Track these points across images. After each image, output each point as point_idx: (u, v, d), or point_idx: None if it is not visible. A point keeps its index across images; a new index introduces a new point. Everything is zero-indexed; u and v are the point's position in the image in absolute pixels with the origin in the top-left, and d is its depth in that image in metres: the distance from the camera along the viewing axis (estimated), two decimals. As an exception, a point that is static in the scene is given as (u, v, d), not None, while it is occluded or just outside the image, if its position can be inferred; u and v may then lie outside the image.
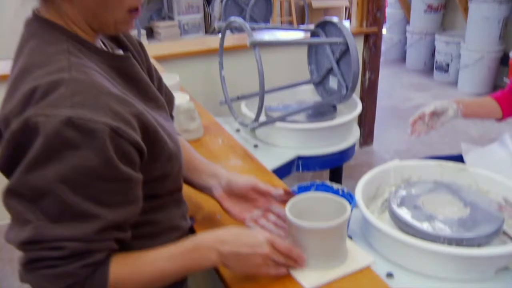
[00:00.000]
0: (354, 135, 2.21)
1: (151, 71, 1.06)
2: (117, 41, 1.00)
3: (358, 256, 1.01)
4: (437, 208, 1.47)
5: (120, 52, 0.99)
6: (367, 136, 3.56)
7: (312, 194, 1.04)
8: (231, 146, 1.58)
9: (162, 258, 0.87)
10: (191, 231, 1.15)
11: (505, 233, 1.46)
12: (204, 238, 0.91)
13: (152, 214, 0.94)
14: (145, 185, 0.87)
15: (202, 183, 1.14)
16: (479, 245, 1.36)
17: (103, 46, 0.94)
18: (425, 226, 1.40)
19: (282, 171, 1.99)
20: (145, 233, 0.94)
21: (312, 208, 1.03)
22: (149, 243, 0.92)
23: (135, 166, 0.82)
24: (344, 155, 2.16)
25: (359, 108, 2.19)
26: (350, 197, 1.52)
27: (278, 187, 1.12)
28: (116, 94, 0.80)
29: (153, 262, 0.86)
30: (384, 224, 1.40)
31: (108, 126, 0.75)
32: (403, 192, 1.56)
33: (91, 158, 0.74)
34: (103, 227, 0.78)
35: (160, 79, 1.11)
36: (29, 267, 0.77)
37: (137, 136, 0.80)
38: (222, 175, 1.13)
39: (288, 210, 0.97)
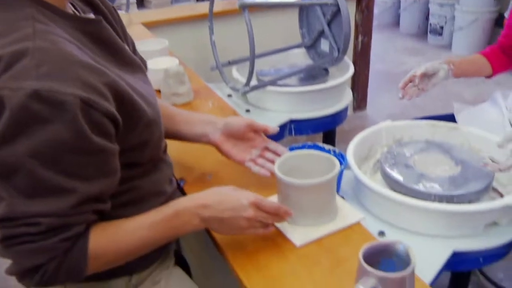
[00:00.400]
0: (346, 98, 2.20)
1: (125, 35, 1.03)
2: (90, 4, 0.95)
3: (348, 213, 1.02)
4: (428, 167, 1.48)
5: (92, 16, 0.94)
6: (360, 101, 3.55)
7: (301, 152, 1.04)
8: (222, 109, 1.57)
9: (142, 226, 0.85)
10: (182, 193, 1.15)
11: (494, 190, 1.47)
12: (185, 204, 0.89)
13: (134, 181, 0.92)
14: (124, 153, 0.85)
15: (197, 131, 1.12)
16: (469, 202, 1.37)
17: (75, 10, 0.90)
18: (416, 185, 1.40)
19: (275, 135, 1.97)
20: (128, 201, 0.92)
21: (301, 166, 1.03)
22: (133, 211, 0.90)
23: (110, 137, 0.79)
24: (336, 118, 2.15)
25: (351, 70, 2.17)
26: (341, 158, 1.52)
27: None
28: (86, 62, 0.76)
29: (133, 231, 0.84)
30: (375, 184, 1.40)
31: (78, 98, 0.72)
32: (394, 152, 1.56)
33: (62, 132, 0.71)
34: (78, 200, 0.76)
35: (133, 44, 1.08)
36: (6, 243, 0.76)
37: (110, 106, 0.77)
38: (218, 120, 1.13)
39: (277, 167, 0.97)
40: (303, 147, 1.56)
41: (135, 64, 0.95)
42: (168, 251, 1.07)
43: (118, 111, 0.80)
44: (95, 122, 0.75)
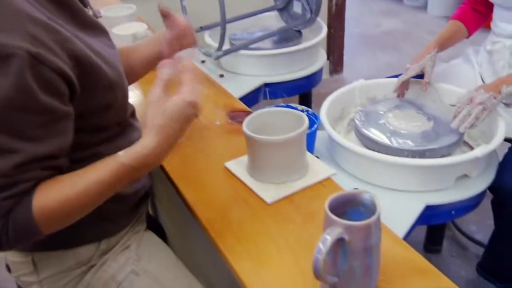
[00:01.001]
0: (320, 59, 2.19)
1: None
2: None
3: (319, 169, 1.02)
4: (401, 124, 1.49)
5: None
6: (336, 64, 3.53)
7: (269, 109, 1.03)
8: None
9: (92, 170, 0.78)
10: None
11: (465, 144, 1.49)
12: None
13: (100, 146, 0.89)
14: (86, 117, 0.82)
15: (149, 52, 1.10)
16: (441, 156, 1.39)
17: None
18: (389, 141, 1.41)
19: (250, 99, 1.97)
20: None
21: (270, 124, 1.02)
22: None
23: (62, 98, 0.75)
24: (311, 80, 2.15)
25: (324, 31, 2.16)
26: (314, 117, 1.52)
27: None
28: (39, 19, 0.72)
29: (82, 176, 0.77)
30: (351, 143, 1.41)
31: (26, 51, 0.68)
32: (368, 110, 1.57)
33: (6, 87, 0.67)
34: (24, 161, 0.71)
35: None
36: None
37: (62, 64, 0.73)
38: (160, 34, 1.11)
39: (245, 125, 0.96)
40: (277, 106, 1.56)
41: (96, 27, 0.92)
42: (139, 216, 1.06)
43: (74, 71, 0.76)
44: (44, 79, 0.71)
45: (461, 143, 1.43)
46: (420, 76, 1.64)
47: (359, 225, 0.65)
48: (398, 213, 1.30)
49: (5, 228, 0.73)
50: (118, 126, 0.95)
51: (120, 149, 0.86)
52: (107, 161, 0.78)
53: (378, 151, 1.40)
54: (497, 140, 1.35)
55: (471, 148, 1.47)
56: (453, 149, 1.40)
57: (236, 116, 1.24)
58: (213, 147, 1.14)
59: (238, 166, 1.05)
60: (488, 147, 1.32)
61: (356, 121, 1.52)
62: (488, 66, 1.61)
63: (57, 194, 0.75)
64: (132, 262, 1.00)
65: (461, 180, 1.37)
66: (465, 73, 1.71)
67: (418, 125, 1.48)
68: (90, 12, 0.97)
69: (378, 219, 0.67)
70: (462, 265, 1.82)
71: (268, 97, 2.08)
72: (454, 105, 1.44)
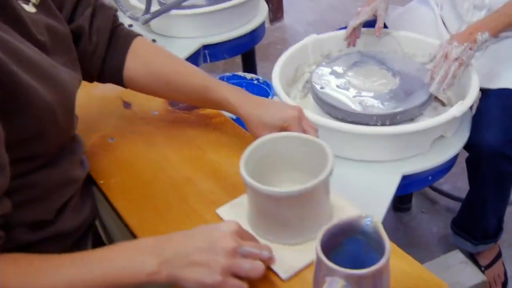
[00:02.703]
0: (261, 12, 1.97)
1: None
2: None
3: (344, 210, 0.74)
4: (365, 83, 1.32)
5: None
6: (276, 11, 3.31)
7: (272, 136, 0.75)
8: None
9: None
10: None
11: (436, 98, 1.34)
12: (135, 242, 0.64)
13: (34, 175, 0.68)
14: (15, 147, 0.61)
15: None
16: (413, 117, 1.24)
17: None
18: (354, 105, 1.24)
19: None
20: (32, 197, 0.68)
21: (277, 151, 0.75)
22: (40, 207, 0.68)
23: None
24: (254, 36, 1.93)
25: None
26: (267, 86, 1.33)
27: None
28: None
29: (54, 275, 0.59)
30: (310, 112, 1.23)
31: None
32: (325, 70, 1.38)
33: None
34: None
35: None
36: None
37: None
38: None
39: (243, 165, 0.68)
40: (221, 78, 1.35)
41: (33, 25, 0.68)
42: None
43: None
44: None
45: (432, 99, 1.28)
46: (373, 24, 1.47)
47: (366, 273, 0.48)
48: (375, 187, 1.16)
49: None
50: (59, 151, 0.72)
51: (63, 171, 0.69)
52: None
53: (342, 119, 1.24)
54: (473, 94, 1.21)
55: (441, 102, 1.33)
56: (425, 107, 1.25)
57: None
58: (156, 147, 0.92)
59: (232, 212, 0.76)
60: (465, 103, 1.17)
61: (314, 84, 1.34)
62: (451, 9, 1.45)
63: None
64: None
65: (436, 143, 1.23)
66: (424, 17, 1.55)
67: (383, 83, 1.31)
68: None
69: (388, 258, 0.50)
70: (433, 221, 1.73)
71: (208, 60, 1.85)
72: (426, 63, 1.28)
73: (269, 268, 0.64)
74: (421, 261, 1.58)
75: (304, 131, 0.79)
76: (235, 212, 0.75)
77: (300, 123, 0.80)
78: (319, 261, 0.49)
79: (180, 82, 0.87)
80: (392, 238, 0.53)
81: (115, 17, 0.90)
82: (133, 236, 0.77)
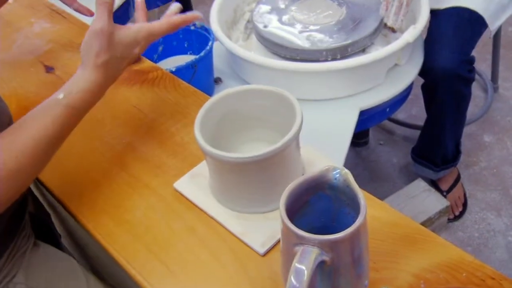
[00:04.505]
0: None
1: None
2: None
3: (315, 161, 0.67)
4: (310, 17, 1.22)
5: None
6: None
7: (228, 92, 0.64)
8: (31, 6, 1.13)
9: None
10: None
11: (385, 25, 1.27)
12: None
13: None
14: None
15: None
16: (364, 47, 1.16)
17: None
18: (301, 42, 1.15)
19: (116, 18, 1.58)
20: None
21: (234, 112, 0.65)
22: None
23: None
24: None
25: None
26: (206, 32, 1.22)
27: None
28: None
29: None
30: (255, 55, 1.14)
31: None
32: (266, 7, 1.28)
33: None
34: None
35: None
36: None
37: None
38: None
39: (198, 132, 0.58)
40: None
41: None
42: (20, 232, 0.74)
43: None
44: None
45: (382, 26, 1.20)
46: None
47: (342, 237, 0.41)
48: (333, 125, 1.10)
49: None
50: None
51: None
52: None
53: (290, 57, 1.15)
54: (424, 16, 1.14)
55: (392, 29, 1.25)
56: (377, 36, 1.18)
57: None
58: (89, 114, 0.80)
59: (192, 184, 0.66)
60: (417, 27, 1.10)
61: (256, 23, 1.23)
62: None
63: None
64: None
65: (391, 73, 1.17)
66: None
67: (329, 14, 1.22)
68: None
69: (365, 215, 0.43)
70: (392, 152, 1.71)
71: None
72: None
73: (244, 244, 0.58)
74: (385, 193, 1.53)
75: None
76: (196, 183, 0.66)
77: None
78: (286, 230, 0.42)
79: None
80: (353, 174, 0.46)
81: None
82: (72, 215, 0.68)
